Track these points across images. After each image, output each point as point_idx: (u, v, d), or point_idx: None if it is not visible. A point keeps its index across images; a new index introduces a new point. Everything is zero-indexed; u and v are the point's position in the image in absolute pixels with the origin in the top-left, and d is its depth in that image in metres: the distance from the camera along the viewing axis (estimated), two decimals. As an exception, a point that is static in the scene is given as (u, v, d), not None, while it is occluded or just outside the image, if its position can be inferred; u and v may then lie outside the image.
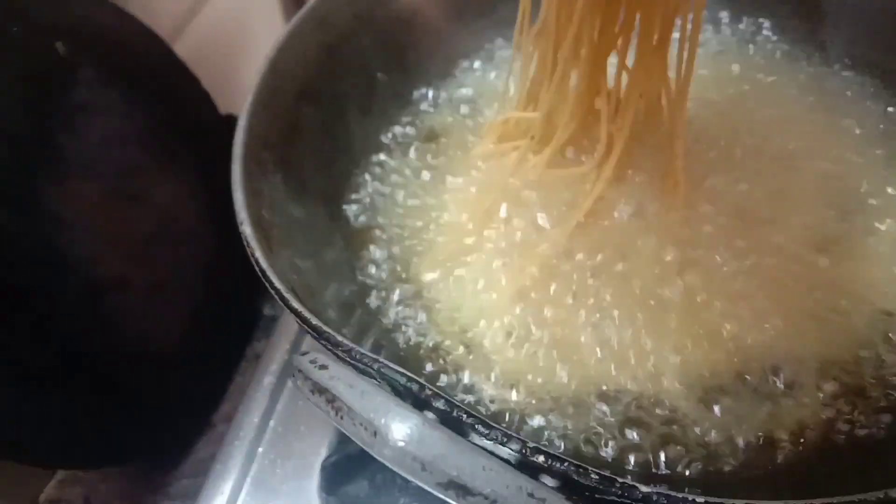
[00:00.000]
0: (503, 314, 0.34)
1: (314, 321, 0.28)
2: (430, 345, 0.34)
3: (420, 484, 0.20)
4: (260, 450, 0.38)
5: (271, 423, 0.39)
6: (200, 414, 0.53)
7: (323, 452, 0.38)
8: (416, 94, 0.45)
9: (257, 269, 0.31)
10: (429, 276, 0.37)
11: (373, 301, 0.36)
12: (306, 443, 0.38)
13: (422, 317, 0.36)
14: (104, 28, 0.50)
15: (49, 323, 0.43)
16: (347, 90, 0.41)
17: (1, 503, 0.50)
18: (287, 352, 0.42)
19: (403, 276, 0.37)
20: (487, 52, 0.47)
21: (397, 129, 0.43)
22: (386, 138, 0.43)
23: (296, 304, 0.29)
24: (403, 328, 0.35)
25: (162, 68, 0.54)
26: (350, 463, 0.36)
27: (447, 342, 0.34)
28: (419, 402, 0.22)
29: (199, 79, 0.56)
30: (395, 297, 0.36)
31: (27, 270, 0.43)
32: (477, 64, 0.46)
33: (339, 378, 0.22)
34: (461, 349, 0.34)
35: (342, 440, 0.38)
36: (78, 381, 0.45)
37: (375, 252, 0.38)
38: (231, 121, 0.59)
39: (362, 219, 0.40)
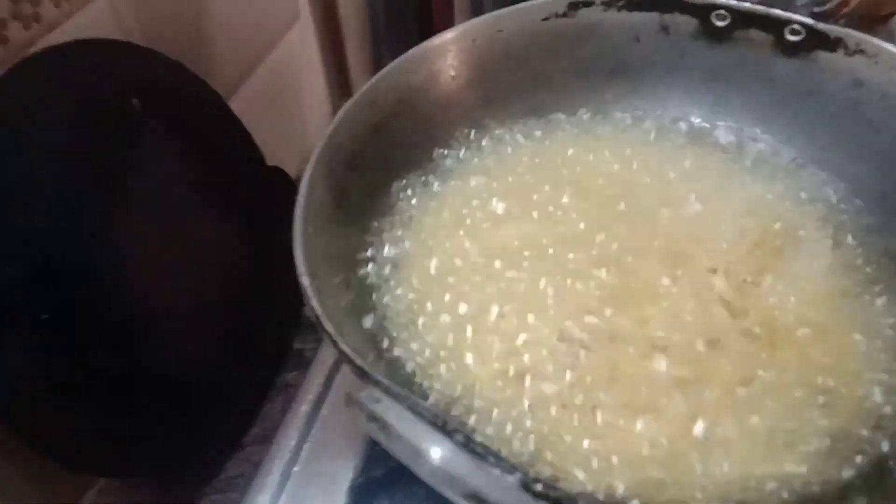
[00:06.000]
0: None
1: (367, 369, 0.32)
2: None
3: (449, 496, 0.26)
4: (296, 469, 0.44)
5: (306, 446, 0.45)
6: (231, 435, 0.59)
7: (350, 475, 0.43)
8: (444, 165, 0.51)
9: (313, 317, 0.36)
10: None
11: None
12: (336, 465, 0.44)
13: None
14: (171, 84, 0.57)
15: (92, 343, 0.46)
16: (389, 162, 0.48)
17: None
18: (321, 385, 0.48)
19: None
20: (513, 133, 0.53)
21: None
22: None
23: (348, 351, 0.34)
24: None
25: (219, 122, 0.61)
26: (375, 485, 0.42)
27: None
28: (448, 432, 0.28)
29: (250, 133, 0.63)
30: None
31: (77, 296, 0.45)
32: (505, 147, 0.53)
33: (390, 410, 0.28)
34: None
35: (367, 464, 0.43)
36: (112, 398, 0.48)
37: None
38: (276, 172, 0.66)
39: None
